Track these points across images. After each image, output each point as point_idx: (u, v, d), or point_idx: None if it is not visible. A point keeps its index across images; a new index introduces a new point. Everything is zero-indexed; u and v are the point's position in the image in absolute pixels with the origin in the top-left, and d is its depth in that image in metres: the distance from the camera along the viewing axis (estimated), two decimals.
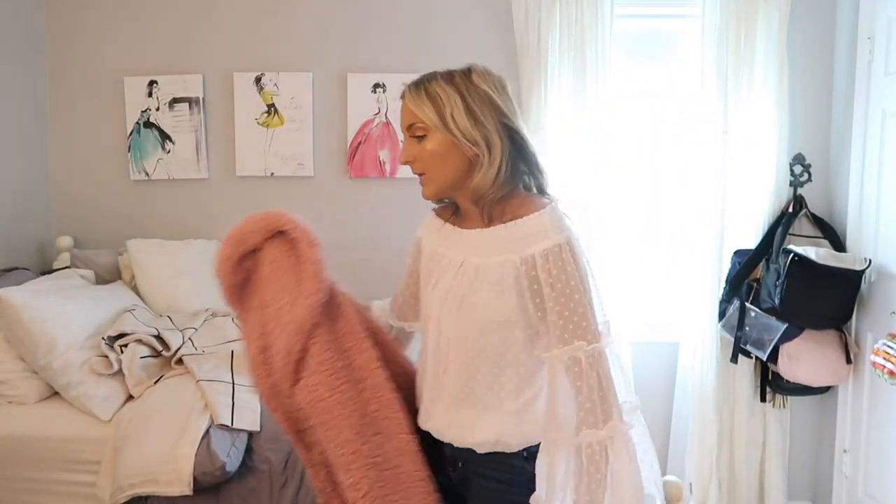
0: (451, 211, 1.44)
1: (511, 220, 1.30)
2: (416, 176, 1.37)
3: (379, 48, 3.07)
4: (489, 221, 1.33)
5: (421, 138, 1.32)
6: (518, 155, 1.32)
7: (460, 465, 1.37)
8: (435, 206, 1.48)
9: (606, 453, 1.21)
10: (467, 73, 1.32)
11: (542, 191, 1.37)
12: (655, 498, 1.41)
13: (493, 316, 1.27)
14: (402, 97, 1.36)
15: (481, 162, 1.29)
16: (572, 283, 1.23)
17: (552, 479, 1.25)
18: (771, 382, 2.93)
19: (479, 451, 1.32)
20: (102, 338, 2.24)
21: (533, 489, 1.27)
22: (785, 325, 2.66)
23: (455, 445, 1.35)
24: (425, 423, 1.40)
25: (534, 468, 1.27)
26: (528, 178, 1.36)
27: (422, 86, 1.32)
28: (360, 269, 3.14)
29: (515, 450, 1.32)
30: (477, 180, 1.29)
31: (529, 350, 1.29)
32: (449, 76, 1.32)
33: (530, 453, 1.31)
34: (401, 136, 3.18)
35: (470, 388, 1.32)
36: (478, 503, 1.36)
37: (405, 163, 1.36)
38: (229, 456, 1.92)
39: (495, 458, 1.32)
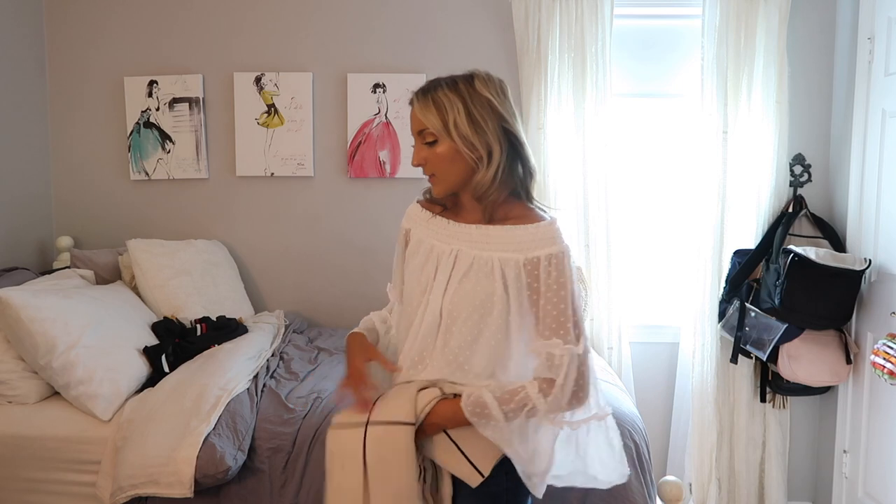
0: (442, 205, 1.53)
1: (513, 223, 1.42)
2: (420, 176, 1.47)
3: (379, 48, 3.07)
4: (489, 220, 1.44)
5: (431, 143, 1.41)
6: (516, 158, 1.42)
7: None
8: (420, 198, 1.58)
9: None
10: (470, 79, 1.41)
11: (528, 195, 1.47)
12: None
13: (481, 301, 1.40)
14: (411, 104, 1.45)
15: (481, 165, 1.39)
16: (568, 287, 1.37)
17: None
18: (771, 383, 2.93)
19: None
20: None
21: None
22: (785, 326, 2.66)
23: None
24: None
25: None
26: (524, 181, 1.45)
27: (428, 94, 1.41)
28: (360, 268, 3.15)
29: None
30: (476, 180, 1.41)
31: (511, 336, 1.41)
32: (453, 83, 1.40)
33: None
34: (401, 136, 3.19)
35: (458, 357, 1.43)
36: None
37: (417, 165, 1.46)
38: (235, 459, 1.92)
39: None
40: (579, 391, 1.36)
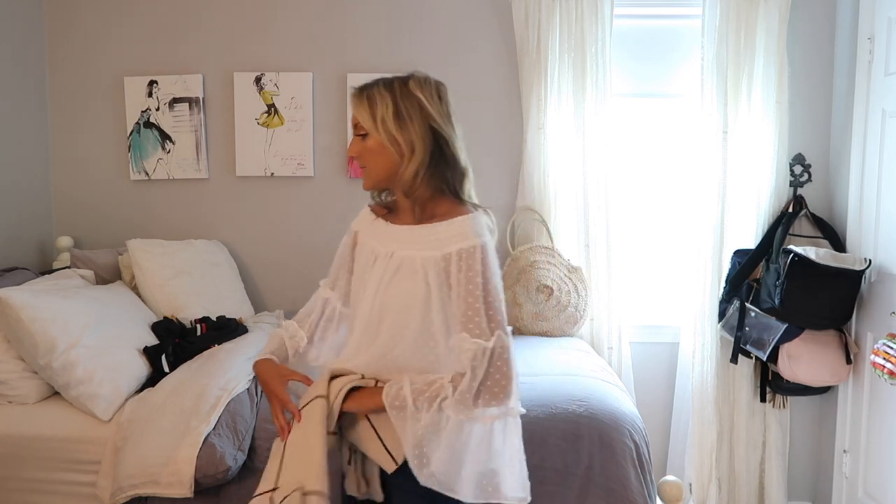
0: (386, 208, 1.60)
1: (437, 221, 1.46)
2: None
3: (379, 48, 3.07)
4: (419, 220, 1.48)
5: (364, 136, 1.48)
6: (441, 158, 1.46)
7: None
8: (370, 202, 1.64)
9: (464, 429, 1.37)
10: (405, 80, 1.47)
11: (458, 194, 1.49)
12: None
13: (405, 300, 1.44)
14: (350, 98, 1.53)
15: (403, 161, 1.45)
16: (478, 281, 1.37)
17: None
18: (771, 382, 2.93)
19: None
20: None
21: None
22: (785, 326, 2.66)
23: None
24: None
25: None
26: (451, 181, 1.48)
27: (364, 90, 1.48)
28: None
29: None
30: (399, 175, 1.46)
31: (436, 334, 1.43)
32: (389, 83, 1.47)
33: None
34: None
35: (385, 355, 1.47)
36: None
37: (351, 157, 1.54)
38: (235, 459, 1.92)
39: None
40: (494, 387, 1.35)
